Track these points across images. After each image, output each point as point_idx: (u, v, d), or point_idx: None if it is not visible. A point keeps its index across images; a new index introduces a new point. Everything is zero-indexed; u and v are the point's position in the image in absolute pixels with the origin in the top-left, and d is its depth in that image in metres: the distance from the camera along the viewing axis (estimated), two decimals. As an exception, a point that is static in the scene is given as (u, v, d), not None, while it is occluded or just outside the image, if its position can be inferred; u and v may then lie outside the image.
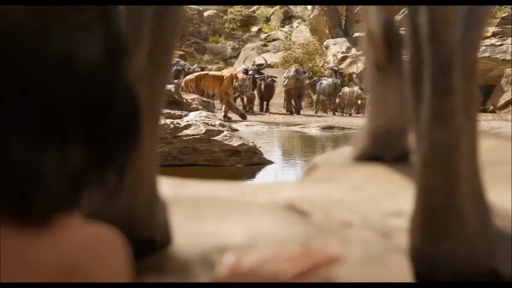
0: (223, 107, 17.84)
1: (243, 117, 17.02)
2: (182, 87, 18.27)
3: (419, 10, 1.20)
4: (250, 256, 1.35)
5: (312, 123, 16.20)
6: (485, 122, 14.81)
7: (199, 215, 1.59)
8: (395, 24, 2.17)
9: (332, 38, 27.89)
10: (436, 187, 1.22)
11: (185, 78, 18.93)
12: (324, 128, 15.22)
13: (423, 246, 1.25)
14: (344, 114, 21.28)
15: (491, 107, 21.17)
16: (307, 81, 21.77)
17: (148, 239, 1.31)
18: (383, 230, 1.57)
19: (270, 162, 8.78)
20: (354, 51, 25.59)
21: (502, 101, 21.12)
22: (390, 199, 1.86)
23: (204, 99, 16.72)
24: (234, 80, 17.88)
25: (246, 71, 20.22)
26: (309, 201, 1.78)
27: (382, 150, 2.20)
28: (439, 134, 1.20)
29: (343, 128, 15.31)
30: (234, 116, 17.37)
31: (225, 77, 18.18)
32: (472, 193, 1.24)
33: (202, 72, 19.41)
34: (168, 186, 1.66)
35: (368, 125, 2.26)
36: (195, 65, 24.19)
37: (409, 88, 1.25)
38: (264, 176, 8.04)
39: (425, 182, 1.24)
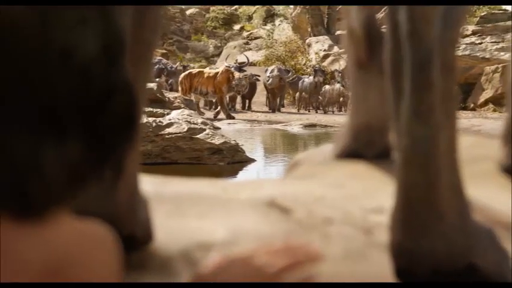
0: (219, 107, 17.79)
1: (230, 118, 16.98)
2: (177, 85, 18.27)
3: (399, 7, 1.21)
4: (232, 252, 1.35)
5: (294, 121, 16.24)
6: (466, 119, 14.94)
7: (181, 212, 1.59)
8: (376, 22, 2.18)
9: (314, 36, 27.95)
10: (416, 183, 1.24)
11: (180, 76, 18.82)
12: (306, 126, 15.26)
13: (403, 242, 1.26)
14: (327, 112, 21.33)
15: (472, 105, 21.34)
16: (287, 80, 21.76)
17: (129, 235, 1.31)
18: (364, 227, 1.58)
19: (252, 161, 8.81)
20: (336, 49, 25.65)
21: (482, 98, 21.30)
22: (371, 196, 1.87)
23: (186, 97, 16.70)
24: (231, 78, 17.78)
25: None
26: (290, 198, 1.78)
27: (363, 147, 2.21)
28: (419, 130, 1.21)
29: (325, 126, 15.37)
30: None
31: (219, 73, 18.06)
32: (451, 188, 1.26)
33: (197, 70, 19.31)
34: (150, 184, 1.66)
35: (349, 122, 2.27)
36: (177, 64, 24.11)
37: (389, 85, 1.26)
38: (246, 174, 8.06)
39: (406, 178, 1.25)
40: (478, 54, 21.81)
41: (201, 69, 19.41)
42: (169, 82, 20.21)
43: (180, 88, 18.25)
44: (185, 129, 8.73)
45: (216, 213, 1.62)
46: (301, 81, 22.13)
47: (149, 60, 1.38)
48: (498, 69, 20.52)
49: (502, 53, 21.40)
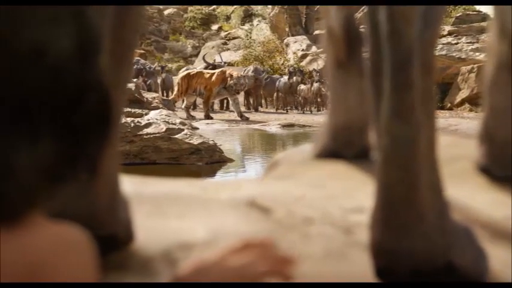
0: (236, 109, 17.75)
1: (208, 118, 16.96)
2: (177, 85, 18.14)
3: (378, 7, 1.22)
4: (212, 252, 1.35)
5: (272, 121, 16.26)
6: (443, 119, 15.05)
7: (161, 212, 1.59)
8: (355, 22, 2.20)
9: (292, 35, 27.99)
10: (396, 182, 1.24)
11: (179, 76, 18.69)
12: (284, 126, 15.27)
13: (384, 241, 1.27)
14: (305, 112, 21.35)
15: (449, 105, 21.52)
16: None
17: (110, 235, 1.30)
18: (344, 226, 1.59)
19: (230, 160, 8.82)
20: (314, 48, 25.71)
21: (458, 98, 21.47)
22: (351, 196, 1.88)
23: (164, 98, 16.63)
24: (229, 78, 17.66)
25: (206, 69, 20.15)
26: (270, 198, 1.79)
27: (342, 147, 2.22)
28: (399, 130, 1.22)
29: (303, 126, 15.41)
30: (197, 115, 17.40)
31: (215, 73, 17.97)
32: (431, 188, 1.27)
33: (196, 71, 19.12)
34: (129, 184, 1.65)
35: (328, 122, 2.28)
36: (156, 64, 24.00)
37: (369, 85, 1.27)
38: (224, 174, 8.06)
39: (386, 177, 1.26)
40: (454, 54, 22.00)
41: (200, 70, 19.17)
42: (147, 82, 20.13)
43: (176, 89, 18.10)
44: (163, 130, 8.71)
45: (196, 213, 1.62)
46: (277, 81, 22.14)
47: (130, 61, 1.38)
48: (474, 69, 20.69)
49: (477, 54, 21.61)
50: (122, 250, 1.34)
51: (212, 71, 18.56)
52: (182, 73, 18.88)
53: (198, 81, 17.88)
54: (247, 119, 17.25)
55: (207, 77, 17.88)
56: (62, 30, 0.64)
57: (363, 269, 1.32)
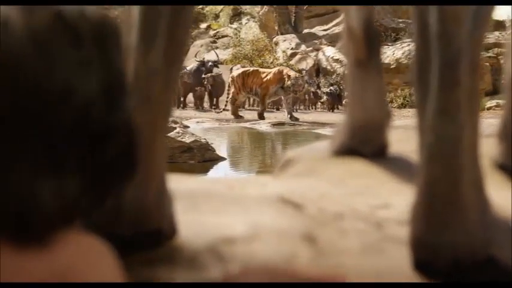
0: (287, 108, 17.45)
1: (261, 118, 16.68)
2: (229, 84, 17.81)
3: (428, 8, 1.24)
4: (255, 246, 1.38)
5: (262, 120, 16.27)
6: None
7: (196, 209, 1.61)
8: (374, 22, 2.22)
9: (281, 34, 28.03)
10: (440, 179, 1.27)
11: (231, 74, 18.40)
12: (274, 125, 15.28)
13: (425, 236, 1.30)
14: (296, 110, 21.32)
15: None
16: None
17: (157, 230, 1.33)
18: (375, 222, 1.61)
19: (222, 159, 8.86)
20: (303, 47, 25.77)
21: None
22: (374, 193, 1.91)
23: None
24: (286, 79, 17.23)
25: (202, 64, 20.02)
26: (297, 194, 1.81)
27: (360, 145, 2.25)
28: (445, 128, 1.25)
29: (293, 124, 15.45)
30: (191, 112, 17.33)
31: (272, 72, 17.60)
32: (473, 184, 1.30)
33: (251, 69, 18.82)
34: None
35: (347, 119, 2.31)
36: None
37: (414, 83, 1.30)
38: (216, 172, 8.08)
39: (429, 174, 1.29)
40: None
41: (256, 69, 18.73)
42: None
43: (233, 87, 17.76)
44: (156, 128, 8.70)
45: (230, 209, 1.64)
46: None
47: (182, 60, 1.41)
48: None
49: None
50: (165, 245, 1.36)
51: (268, 70, 18.16)
52: (237, 71, 18.37)
53: (253, 80, 17.49)
54: (296, 119, 16.76)
55: (263, 76, 17.48)
56: (91, 74, 0.68)
57: (401, 262, 1.35)
